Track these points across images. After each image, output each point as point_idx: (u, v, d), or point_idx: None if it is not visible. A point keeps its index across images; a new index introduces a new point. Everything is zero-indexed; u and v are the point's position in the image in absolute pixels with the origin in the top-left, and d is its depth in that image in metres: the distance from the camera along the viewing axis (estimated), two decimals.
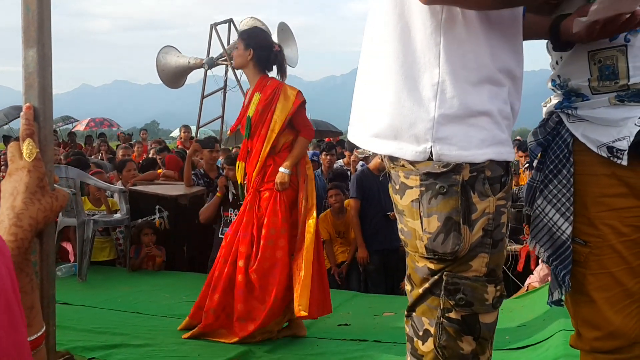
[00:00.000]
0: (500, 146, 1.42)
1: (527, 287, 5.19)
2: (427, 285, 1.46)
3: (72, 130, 17.89)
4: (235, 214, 5.37)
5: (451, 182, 1.39)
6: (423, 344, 1.47)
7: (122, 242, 5.99)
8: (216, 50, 9.85)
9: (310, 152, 8.38)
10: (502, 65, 1.43)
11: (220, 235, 5.34)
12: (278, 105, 3.77)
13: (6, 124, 17.17)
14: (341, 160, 8.69)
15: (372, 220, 5.76)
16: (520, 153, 8.36)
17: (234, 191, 5.35)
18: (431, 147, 1.39)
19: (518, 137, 16.21)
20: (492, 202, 1.41)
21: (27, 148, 0.89)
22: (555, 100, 1.75)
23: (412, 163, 1.43)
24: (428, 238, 1.42)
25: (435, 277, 1.45)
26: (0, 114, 17.32)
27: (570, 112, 1.68)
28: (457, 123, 1.38)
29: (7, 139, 14.47)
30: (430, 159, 1.40)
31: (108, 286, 5.10)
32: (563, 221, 1.64)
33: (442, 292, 1.43)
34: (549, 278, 4.90)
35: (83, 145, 14.46)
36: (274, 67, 3.93)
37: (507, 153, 1.44)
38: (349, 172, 7.29)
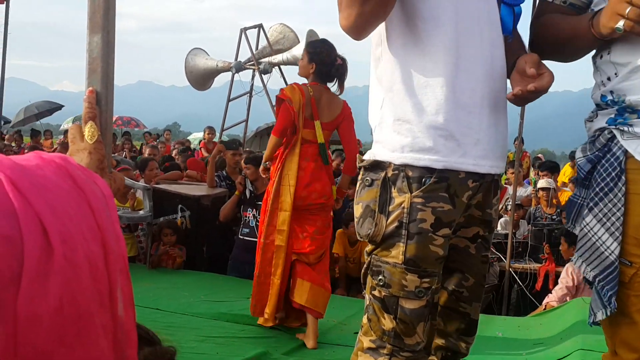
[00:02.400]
0: (421, 153, 1.58)
1: (545, 306, 5.16)
2: (365, 264, 1.70)
3: None
4: (253, 214, 5.46)
5: (376, 176, 1.63)
6: (365, 314, 1.71)
7: (142, 239, 6.04)
8: (244, 55, 9.95)
9: None
10: (435, 79, 1.58)
11: (239, 236, 5.40)
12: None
13: (35, 117, 17.48)
14: None
15: None
16: (541, 172, 8.34)
17: (251, 188, 5.46)
18: (373, 148, 1.68)
19: (539, 155, 16.12)
20: (407, 198, 1.58)
21: (90, 131, 0.92)
22: (606, 117, 1.70)
23: (362, 161, 1.71)
24: (356, 222, 1.69)
25: (368, 258, 1.68)
26: (32, 106, 17.68)
27: (625, 128, 1.63)
28: (387, 129, 1.63)
29: (35, 134, 14.68)
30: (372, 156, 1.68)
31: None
32: (612, 241, 1.61)
33: (369, 272, 1.67)
34: (568, 298, 4.85)
35: None
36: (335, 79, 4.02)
37: (429, 160, 1.58)
38: None
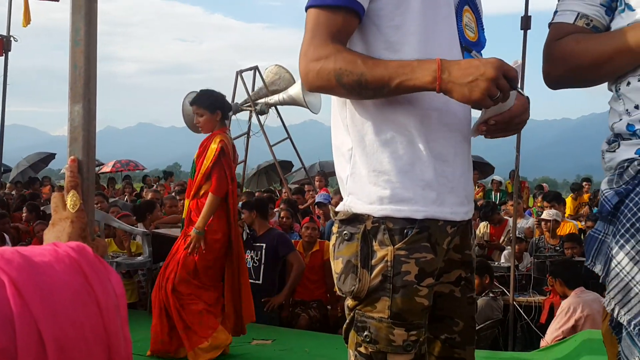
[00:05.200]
0: (401, 204, 1.55)
1: (552, 340, 5.09)
2: (348, 320, 1.64)
3: (98, 172, 18.28)
4: (251, 256, 5.53)
5: (355, 230, 1.58)
6: None
7: (144, 284, 6.01)
8: (241, 96, 10.03)
9: (322, 194, 8.40)
10: (409, 130, 1.57)
11: None
12: (208, 152, 4.15)
13: (31, 169, 17.78)
14: None
15: None
16: (546, 203, 8.31)
17: (248, 231, 5.67)
18: (346, 199, 1.62)
19: (543, 185, 16.09)
20: (390, 251, 1.54)
21: (72, 199, 0.93)
22: (634, 147, 1.59)
23: (336, 213, 1.65)
24: (336, 278, 1.63)
25: (352, 313, 1.62)
26: (22, 161, 18.09)
27: None
28: (362, 181, 1.58)
29: (33, 181, 14.75)
30: (345, 209, 1.62)
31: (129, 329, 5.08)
32: None
33: (354, 328, 1.61)
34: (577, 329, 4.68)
35: (106, 187, 14.66)
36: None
37: (410, 211, 1.55)
38: None
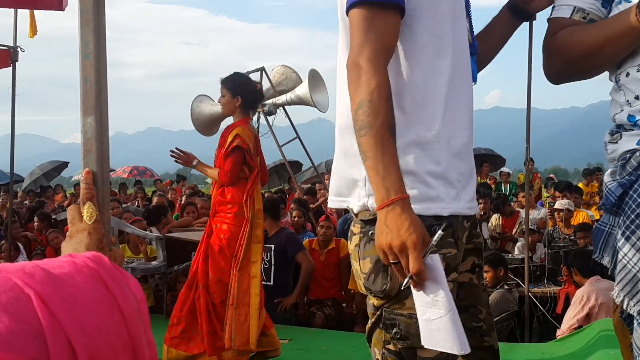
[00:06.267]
0: (428, 202, 1.56)
1: (568, 329, 5.07)
2: (373, 319, 1.65)
3: (113, 176, 18.38)
4: (263, 256, 5.52)
5: None
6: None
7: (161, 288, 6.05)
8: None
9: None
10: (434, 129, 1.57)
11: None
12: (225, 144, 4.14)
13: (44, 177, 17.95)
14: None
15: None
16: (557, 193, 8.26)
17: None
18: (366, 201, 1.61)
19: (552, 175, 16.02)
20: None
21: (88, 211, 0.94)
22: (635, 138, 1.59)
23: (356, 214, 1.65)
24: (364, 277, 1.63)
25: (378, 312, 1.63)
26: (36, 169, 18.24)
27: None
28: None
29: (45, 189, 14.85)
30: (367, 209, 1.62)
31: None
32: None
33: (382, 326, 1.62)
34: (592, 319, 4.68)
35: (117, 192, 14.75)
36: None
37: (439, 208, 1.56)
38: None
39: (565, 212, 7.11)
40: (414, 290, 1.45)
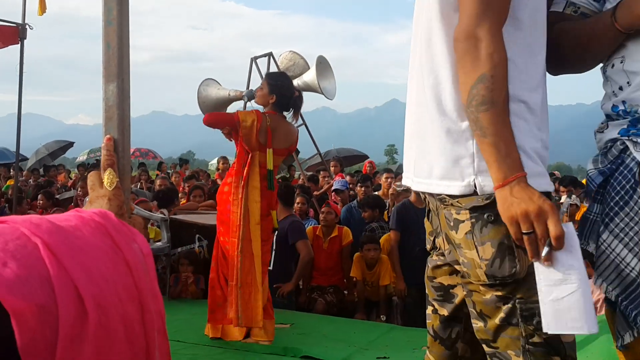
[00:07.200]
0: (537, 178, 1.47)
1: None
2: (502, 314, 1.52)
3: None
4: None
5: (497, 210, 1.45)
6: None
7: (167, 268, 6.06)
8: (256, 83, 10.00)
9: (340, 180, 8.39)
10: (535, 105, 1.54)
11: None
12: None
13: (50, 156, 17.97)
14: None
15: (411, 253, 5.70)
16: (562, 188, 8.24)
17: None
18: (474, 179, 1.51)
19: (555, 172, 15.96)
20: None
21: (108, 177, 0.94)
22: (617, 127, 1.65)
23: (458, 200, 1.54)
24: (486, 264, 1.51)
25: (509, 305, 1.51)
26: (42, 148, 18.26)
27: (638, 140, 1.58)
28: None
29: (48, 169, 14.88)
30: (475, 192, 1.51)
31: None
32: (632, 257, 1.54)
33: (520, 320, 1.50)
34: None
35: None
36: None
37: (546, 184, 1.50)
38: (387, 203, 7.25)
39: (573, 207, 7.11)
40: (539, 269, 1.40)
